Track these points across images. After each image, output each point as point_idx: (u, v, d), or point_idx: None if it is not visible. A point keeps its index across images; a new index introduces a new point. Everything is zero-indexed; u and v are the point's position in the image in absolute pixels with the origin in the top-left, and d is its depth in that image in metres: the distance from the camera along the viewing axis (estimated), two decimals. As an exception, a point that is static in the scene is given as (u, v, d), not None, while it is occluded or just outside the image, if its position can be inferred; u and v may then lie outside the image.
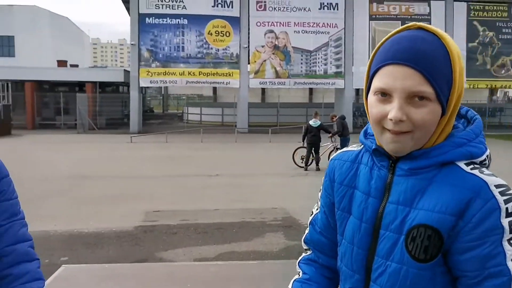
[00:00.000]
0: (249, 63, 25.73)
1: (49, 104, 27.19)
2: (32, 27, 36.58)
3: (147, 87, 30.74)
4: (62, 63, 31.33)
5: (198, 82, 25.96)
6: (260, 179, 10.58)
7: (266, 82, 26.39)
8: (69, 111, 26.15)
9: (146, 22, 24.82)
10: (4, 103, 24.04)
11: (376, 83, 1.00)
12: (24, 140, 19.95)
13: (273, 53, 25.93)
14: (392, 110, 0.98)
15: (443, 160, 1.01)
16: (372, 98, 1.02)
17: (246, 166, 12.86)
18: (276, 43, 25.97)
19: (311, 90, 38.00)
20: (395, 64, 0.97)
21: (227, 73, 25.62)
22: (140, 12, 24.68)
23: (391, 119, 0.98)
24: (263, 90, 37.27)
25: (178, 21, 25.09)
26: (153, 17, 24.89)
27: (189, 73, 25.28)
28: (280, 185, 9.93)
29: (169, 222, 6.86)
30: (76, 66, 32.85)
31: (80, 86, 27.37)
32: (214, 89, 40.35)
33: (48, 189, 9.24)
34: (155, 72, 25.08)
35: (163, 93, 52.14)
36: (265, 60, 25.91)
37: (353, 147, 1.20)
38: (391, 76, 0.97)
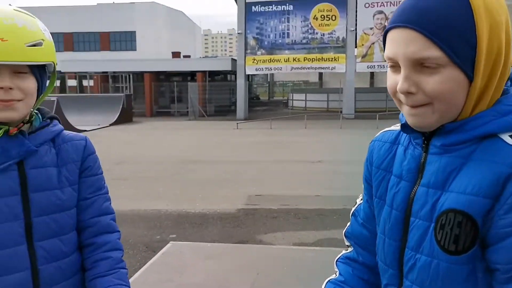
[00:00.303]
0: (356, 47, 24.88)
1: (165, 93, 29.36)
2: (151, 22, 39.69)
3: (253, 74, 31.52)
4: (176, 54, 33.49)
5: (303, 68, 25.86)
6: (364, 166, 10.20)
7: (374, 65, 25.30)
8: (182, 99, 27.93)
9: (252, 10, 25.32)
10: (126, 93, 26.51)
11: (385, 51, 0.88)
12: (144, 126, 21.83)
13: (382, 35, 24.72)
14: (399, 81, 0.84)
15: (482, 133, 0.83)
16: (388, 69, 0.90)
17: (350, 152, 12.50)
18: (386, 24, 24.66)
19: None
20: (397, 27, 0.84)
21: (332, 58, 25.10)
22: (246, 1, 25.25)
23: (400, 92, 0.84)
24: (371, 74, 35.81)
25: (284, 8, 25.16)
26: (259, 5, 25.29)
27: (294, 59, 25.29)
28: (386, 173, 9.47)
29: (270, 206, 6.97)
30: (189, 56, 34.91)
31: (191, 75, 29.05)
32: (320, 74, 39.88)
33: (161, 171, 9.98)
34: (260, 60, 25.55)
35: (269, 80, 53.02)
36: (373, 43, 24.81)
37: (396, 126, 1.04)
38: (395, 42, 0.84)
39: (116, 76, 30.63)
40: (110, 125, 21.41)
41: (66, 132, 1.26)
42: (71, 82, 33.89)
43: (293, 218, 6.32)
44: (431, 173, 0.89)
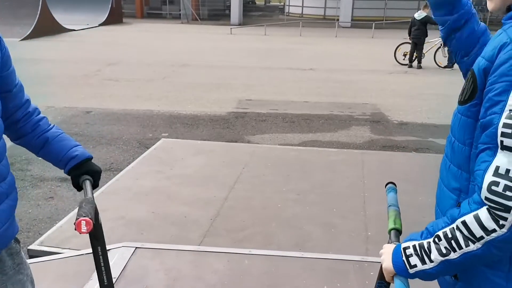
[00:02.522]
0: None
1: (156, -6, 28.00)
2: None
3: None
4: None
5: (301, -29, 24.52)
6: (355, 75, 10.29)
7: (375, -29, 24.07)
8: (174, 1, 26.76)
9: None
10: (116, -9, 25.24)
11: None
12: (134, 28, 21.18)
13: None
14: None
15: None
16: None
17: (342, 61, 12.48)
18: None
19: (427, -20, 33.92)
20: None
21: (332, -39, 23.73)
22: None
23: None
24: (372, -20, 34.16)
25: None
26: None
27: (292, -39, 23.88)
28: (375, 82, 9.60)
29: (260, 110, 7.16)
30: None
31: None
32: (319, -21, 37.93)
33: (153, 73, 9.99)
34: (257, -40, 24.06)
35: (265, -17, 50.35)
36: None
37: None
38: None
39: (103, -27, 28.93)
40: (99, 25, 20.72)
41: None
42: (56, -22, 32.02)
43: (281, 122, 6.55)
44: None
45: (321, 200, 3.65)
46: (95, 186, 1.48)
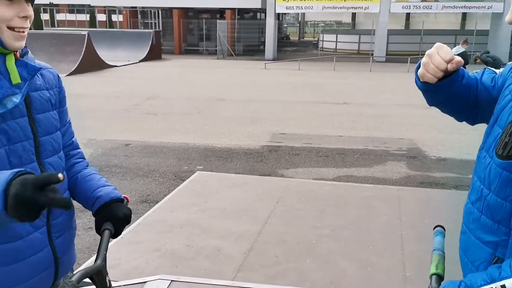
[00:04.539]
0: (391, -14, 23.68)
1: (193, 31, 29.04)
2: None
3: (284, 13, 30.51)
4: (205, -10, 32.65)
5: (334, 8, 24.92)
6: (390, 109, 10.21)
7: (409, 6, 24.15)
8: (211, 38, 27.65)
9: None
10: (155, 29, 26.41)
11: None
12: (172, 63, 21.95)
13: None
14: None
15: None
16: None
17: (377, 96, 12.43)
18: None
19: (464, 15, 33.73)
20: None
21: (366, -3, 24.05)
22: None
23: None
24: (407, 15, 34.25)
25: None
26: None
27: (326, -2, 24.36)
28: (411, 116, 9.47)
29: (293, 144, 7.18)
30: (218, -7, 33.98)
31: (221, 13, 28.50)
32: (353, 15, 38.38)
33: (189, 107, 10.26)
34: (291, -2, 24.72)
35: (299, 20, 51.43)
36: (410, -18, 23.54)
37: None
38: None
39: (145, 12, 30.34)
40: (140, 61, 21.60)
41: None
42: (101, 17, 33.85)
43: (314, 156, 6.53)
44: None
45: (356, 236, 3.59)
46: (116, 235, 1.36)
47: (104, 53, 18.96)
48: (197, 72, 18.26)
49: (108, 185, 1.43)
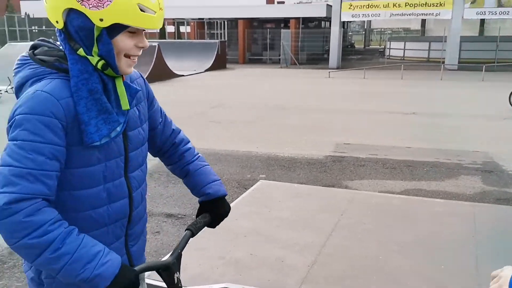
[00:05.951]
0: (465, -10, 22.57)
1: (258, 40, 29.46)
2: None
3: (349, 21, 30.10)
4: (270, 0, 33.09)
5: (403, 14, 24.18)
6: (463, 120, 9.66)
7: (484, 12, 22.85)
8: (274, 47, 27.88)
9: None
10: (221, 39, 27.10)
11: None
12: (236, 73, 22.36)
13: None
14: None
15: None
16: None
17: (448, 105, 11.82)
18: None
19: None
20: None
21: (438, 3, 23.06)
22: None
23: None
24: (481, 21, 32.43)
25: None
26: None
27: (394, 5, 23.69)
28: (486, 128, 8.89)
29: (358, 155, 7.00)
30: (283, 2, 34.29)
31: (285, 22, 28.68)
32: (423, 21, 37.00)
33: (253, 116, 10.36)
34: (357, 6, 24.33)
35: (365, 27, 50.45)
36: (485, -14, 22.29)
37: None
38: None
39: (211, 23, 31.29)
40: (205, 70, 22.25)
41: None
42: (170, 28, 35.35)
43: (381, 168, 6.32)
44: None
45: (427, 254, 3.40)
46: (212, 226, 1.54)
47: (173, 63, 19.75)
48: (261, 81, 18.45)
49: (216, 180, 1.59)
